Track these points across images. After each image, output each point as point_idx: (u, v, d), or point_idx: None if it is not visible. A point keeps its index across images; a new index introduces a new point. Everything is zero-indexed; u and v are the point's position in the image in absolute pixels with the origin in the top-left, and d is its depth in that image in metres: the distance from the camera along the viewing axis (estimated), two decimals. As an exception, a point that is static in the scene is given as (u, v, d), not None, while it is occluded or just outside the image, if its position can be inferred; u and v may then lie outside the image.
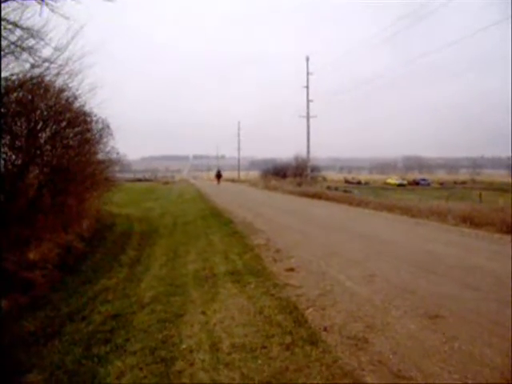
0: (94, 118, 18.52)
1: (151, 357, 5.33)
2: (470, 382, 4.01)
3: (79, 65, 14.27)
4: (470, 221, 14.66)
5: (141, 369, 5.05)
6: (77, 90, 15.70)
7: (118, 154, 23.05)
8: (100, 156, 20.29)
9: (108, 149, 21.18)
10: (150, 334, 6.22)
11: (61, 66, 13.37)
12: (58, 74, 13.89)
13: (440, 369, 4.25)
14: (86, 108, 17.37)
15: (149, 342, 5.87)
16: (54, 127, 14.64)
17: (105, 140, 20.25)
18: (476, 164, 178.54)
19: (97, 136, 19.06)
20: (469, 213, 15.37)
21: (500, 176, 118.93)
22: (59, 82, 14.61)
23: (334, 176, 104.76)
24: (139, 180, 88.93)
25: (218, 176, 61.31)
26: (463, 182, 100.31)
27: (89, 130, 17.80)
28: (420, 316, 5.71)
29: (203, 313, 6.58)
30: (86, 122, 17.41)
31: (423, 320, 5.57)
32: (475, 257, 9.48)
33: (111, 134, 20.64)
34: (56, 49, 12.58)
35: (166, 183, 78.58)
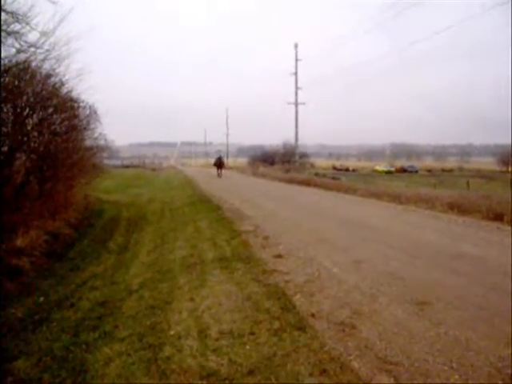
0: (82, 104, 18.44)
1: (139, 343, 5.36)
2: (454, 365, 4.06)
3: (66, 50, 14.19)
4: (458, 208, 14.74)
5: (129, 355, 5.08)
6: (64, 75, 15.60)
7: (105, 140, 23.01)
8: (88, 142, 20.25)
9: (96, 135, 21.15)
10: (138, 320, 6.25)
11: (47, 51, 13.29)
12: (44, 60, 13.81)
13: (426, 354, 4.30)
14: (74, 94, 17.28)
15: (137, 328, 5.90)
16: (40, 113, 14.55)
17: (92, 126, 20.22)
18: (464, 151, 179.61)
19: (84, 122, 18.99)
20: (456, 200, 15.46)
21: (488, 163, 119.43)
22: (46, 68, 14.52)
23: (322, 163, 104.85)
24: (127, 166, 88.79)
25: (219, 164, 40.21)
26: (451, 170, 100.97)
27: (76, 116, 17.72)
28: (407, 302, 5.75)
29: (191, 299, 6.59)
30: (73, 107, 17.33)
31: (410, 306, 5.61)
32: (462, 243, 9.55)
33: (99, 120, 20.59)
34: (42, 33, 12.51)
35: (154, 170, 78.48)
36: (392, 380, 3.89)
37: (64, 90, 16.19)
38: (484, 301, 5.78)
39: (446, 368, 4.03)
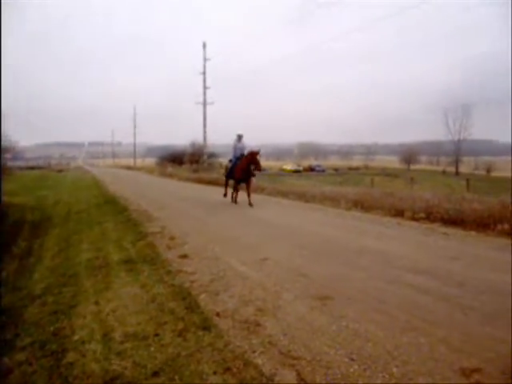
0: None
1: (41, 351, 5.23)
2: (354, 356, 4.22)
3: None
4: (362, 205, 15.21)
5: (30, 364, 4.96)
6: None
7: (9, 140, 22.24)
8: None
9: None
10: (40, 327, 6.08)
11: None
12: None
13: (327, 347, 4.44)
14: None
15: (39, 335, 5.75)
16: None
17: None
18: (370, 150, 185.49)
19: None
20: (361, 197, 15.93)
21: (391, 162, 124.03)
22: None
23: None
24: (32, 168, 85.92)
25: (247, 170, 16.72)
26: (357, 168, 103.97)
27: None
28: (310, 298, 5.88)
29: (96, 303, 6.50)
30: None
31: (313, 302, 5.74)
32: (365, 239, 9.84)
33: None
34: None
35: (60, 171, 76.37)
36: (294, 374, 4.00)
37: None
38: (384, 294, 6.00)
39: (346, 360, 4.18)
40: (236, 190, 17.88)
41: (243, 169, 16.85)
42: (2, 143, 21.28)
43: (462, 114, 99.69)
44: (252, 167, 16.64)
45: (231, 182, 18.28)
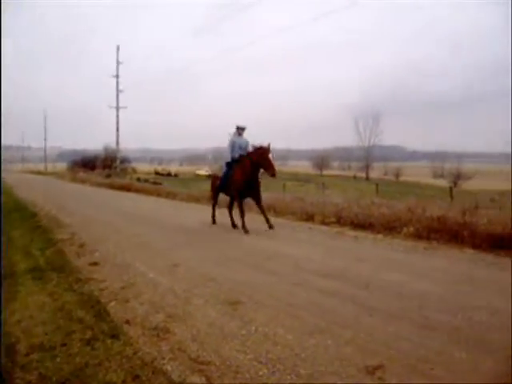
0: None
1: None
2: (263, 360, 4.28)
3: None
4: (274, 210, 15.38)
5: None
6: None
7: None
8: None
9: None
10: None
11: None
12: None
13: (237, 351, 4.47)
14: None
15: None
16: None
17: None
18: (282, 155, 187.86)
19: None
20: (273, 202, 16.09)
21: (303, 167, 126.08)
22: None
23: (144, 167, 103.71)
24: None
25: (257, 173, 11.72)
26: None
27: None
28: (220, 303, 5.92)
29: (-1, 314, 6.27)
30: None
31: (223, 307, 5.78)
32: (274, 243, 10.01)
33: None
34: None
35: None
36: (203, 379, 4.00)
37: None
38: (293, 297, 6.11)
39: (255, 363, 4.22)
40: (241, 209, 11.98)
41: (247, 173, 11.59)
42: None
43: (372, 120, 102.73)
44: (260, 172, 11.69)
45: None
